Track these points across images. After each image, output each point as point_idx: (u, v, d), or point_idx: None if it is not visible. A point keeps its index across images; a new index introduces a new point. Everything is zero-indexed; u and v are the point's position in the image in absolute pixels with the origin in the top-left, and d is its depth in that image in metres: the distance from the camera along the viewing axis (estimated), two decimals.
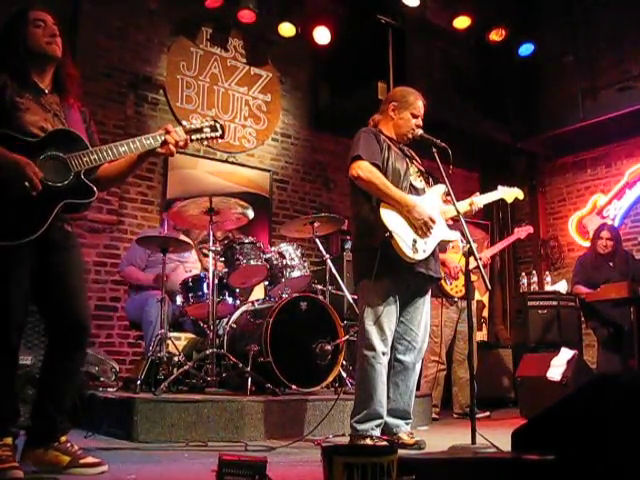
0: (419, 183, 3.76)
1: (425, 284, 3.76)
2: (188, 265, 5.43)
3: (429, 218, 3.53)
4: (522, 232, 5.83)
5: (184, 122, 3.02)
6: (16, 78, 2.72)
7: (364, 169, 3.52)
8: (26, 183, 2.52)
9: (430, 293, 3.87)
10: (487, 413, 5.80)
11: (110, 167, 2.90)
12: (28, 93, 2.73)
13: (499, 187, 4.25)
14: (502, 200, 4.28)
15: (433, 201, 3.73)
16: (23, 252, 2.59)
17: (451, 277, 5.54)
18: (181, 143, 2.91)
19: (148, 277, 5.22)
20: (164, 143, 2.86)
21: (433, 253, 3.67)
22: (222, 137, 3.09)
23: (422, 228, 3.52)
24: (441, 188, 3.77)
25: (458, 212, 3.53)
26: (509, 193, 4.25)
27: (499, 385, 6.93)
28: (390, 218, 3.48)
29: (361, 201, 3.63)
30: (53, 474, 2.65)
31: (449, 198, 3.64)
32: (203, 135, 3.01)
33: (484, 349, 7.14)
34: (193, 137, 2.97)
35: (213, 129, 3.03)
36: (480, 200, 3.99)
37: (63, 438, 2.76)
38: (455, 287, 5.61)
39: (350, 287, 4.83)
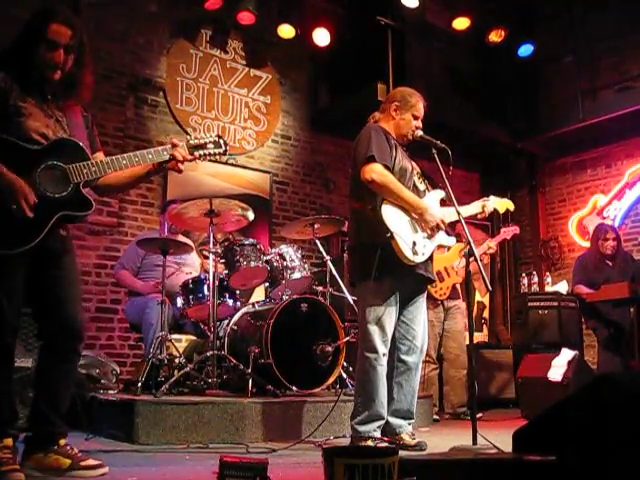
0: (421, 185, 3.78)
1: (423, 285, 3.79)
2: (187, 268, 5.41)
3: (441, 220, 3.58)
4: (508, 232, 5.78)
5: (188, 137, 2.99)
6: (21, 82, 2.70)
7: (378, 172, 3.50)
8: (14, 206, 2.52)
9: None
10: (480, 414, 5.78)
11: (112, 176, 2.88)
12: (31, 98, 2.72)
13: (491, 197, 4.26)
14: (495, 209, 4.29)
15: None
16: (18, 260, 2.59)
17: (440, 279, 5.58)
18: (189, 158, 2.90)
19: (144, 287, 5.21)
20: (171, 158, 2.85)
21: (430, 256, 3.69)
22: (225, 154, 3.06)
23: (434, 230, 3.58)
24: (439, 194, 3.78)
25: (459, 213, 3.54)
26: (500, 203, 4.25)
27: (500, 386, 6.92)
28: (392, 218, 3.48)
29: (363, 199, 3.62)
30: (54, 477, 2.65)
31: (449, 202, 3.65)
32: (206, 151, 2.96)
33: (485, 350, 7.14)
34: (196, 153, 2.94)
35: (217, 145, 2.99)
36: (470, 209, 4.00)
37: (62, 441, 2.76)
38: (440, 290, 5.63)
39: (350, 288, 4.83)
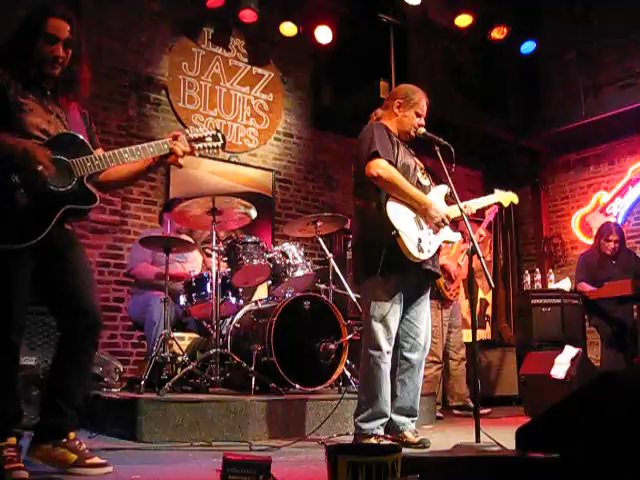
0: (425, 180, 3.77)
1: (429, 281, 3.79)
2: (189, 265, 5.41)
3: (445, 215, 3.58)
4: (491, 213, 5.75)
5: (187, 130, 3.01)
6: (20, 78, 2.71)
7: (384, 168, 3.49)
8: (39, 167, 2.54)
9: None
10: (488, 410, 5.79)
11: (113, 171, 2.89)
12: (32, 94, 2.72)
13: (495, 190, 4.26)
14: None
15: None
16: (24, 255, 2.60)
17: (451, 281, 5.57)
18: (188, 150, 2.91)
19: (170, 272, 5.10)
20: (171, 153, 2.86)
21: (436, 251, 3.69)
22: (223, 147, 3.07)
23: (439, 225, 3.58)
24: (443, 189, 3.78)
25: (461, 210, 3.53)
26: (505, 197, 4.26)
27: (503, 383, 6.92)
28: (397, 216, 3.48)
29: (367, 197, 3.62)
30: (57, 474, 2.65)
31: (451, 199, 3.65)
32: (205, 144, 2.99)
33: (488, 347, 7.14)
34: (195, 146, 2.96)
35: (215, 139, 3.02)
36: (476, 203, 3.99)
37: (72, 435, 2.77)
38: (452, 291, 5.64)
39: (353, 286, 4.83)
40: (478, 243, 5.50)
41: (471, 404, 5.74)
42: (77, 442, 2.76)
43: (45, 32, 2.70)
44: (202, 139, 2.99)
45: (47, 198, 2.60)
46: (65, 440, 2.73)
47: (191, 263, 5.47)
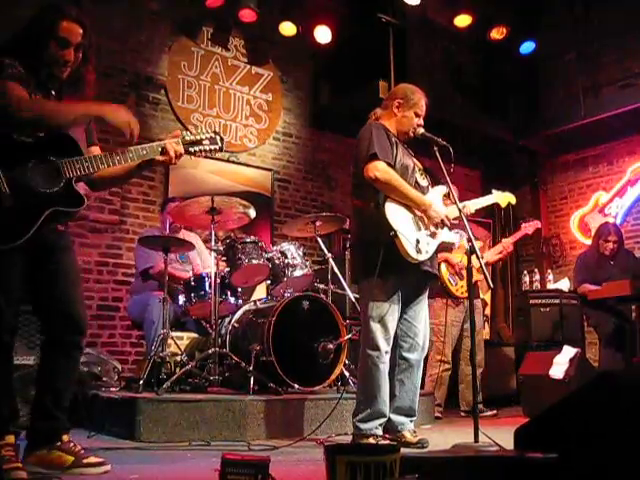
0: (423, 181, 3.77)
1: (427, 281, 3.79)
2: (188, 266, 5.40)
3: (445, 216, 3.59)
4: (529, 227, 5.74)
5: (184, 132, 2.97)
6: (31, 75, 2.69)
7: (381, 170, 3.49)
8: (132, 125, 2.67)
9: (429, 290, 3.88)
10: (494, 412, 5.77)
11: (106, 170, 2.87)
12: (39, 92, 2.71)
13: (493, 191, 4.27)
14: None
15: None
16: (14, 255, 2.57)
17: (457, 275, 5.54)
18: (180, 151, 2.89)
19: (175, 274, 5.08)
20: (164, 151, 2.84)
21: (435, 252, 3.69)
22: (221, 150, 3.05)
23: (439, 225, 3.59)
24: (442, 189, 3.78)
25: (460, 210, 3.53)
26: (503, 197, 4.27)
27: (502, 383, 6.91)
28: (395, 216, 3.48)
29: (365, 197, 3.62)
30: (56, 474, 2.65)
31: (450, 199, 3.65)
32: (201, 147, 2.95)
33: (487, 347, 7.12)
34: (191, 149, 2.93)
35: (212, 141, 2.97)
36: (474, 204, 4.00)
37: (65, 437, 2.76)
38: (461, 287, 5.59)
39: (352, 286, 4.83)
40: (503, 256, 5.50)
41: (482, 408, 5.71)
42: (71, 444, 2.75)
43: (58, 35, 2.68)
44: (199, 142, 2.95)
45: (34, 199, 2.56)
46: (59, 443, 2.73)
47: (192, 263, 5.47)
